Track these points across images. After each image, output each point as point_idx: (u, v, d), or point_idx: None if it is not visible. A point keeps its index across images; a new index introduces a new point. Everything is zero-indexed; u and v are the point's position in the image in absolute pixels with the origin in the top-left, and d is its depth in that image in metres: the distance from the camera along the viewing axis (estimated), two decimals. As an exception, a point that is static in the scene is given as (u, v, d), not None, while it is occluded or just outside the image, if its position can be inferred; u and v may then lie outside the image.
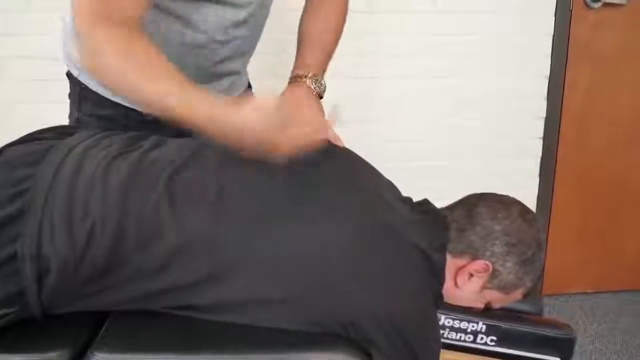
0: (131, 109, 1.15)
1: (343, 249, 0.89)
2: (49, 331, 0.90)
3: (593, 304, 2.42)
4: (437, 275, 0.97)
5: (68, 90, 1.26)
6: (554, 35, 2.18)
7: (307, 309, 0.89)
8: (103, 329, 0.92)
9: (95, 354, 0.86)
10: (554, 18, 2.16)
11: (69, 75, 1.23)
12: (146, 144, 0.99)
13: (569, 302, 2.42)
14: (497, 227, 1.00)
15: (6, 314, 0.87)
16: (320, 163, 0.99)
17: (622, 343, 2.19)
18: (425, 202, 1.06)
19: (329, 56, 1.25)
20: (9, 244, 0.85)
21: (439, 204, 1.08)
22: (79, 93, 1.21)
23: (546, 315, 1.31)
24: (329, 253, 0.89)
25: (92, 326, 0.93)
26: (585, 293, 2.48)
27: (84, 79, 1.18)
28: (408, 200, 1.04)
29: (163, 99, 0.91)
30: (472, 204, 1.04)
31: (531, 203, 2.32)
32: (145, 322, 0.92)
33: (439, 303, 1.00)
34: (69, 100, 1.25)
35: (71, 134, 1.01)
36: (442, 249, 0.99)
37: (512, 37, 2.17)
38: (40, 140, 0.99)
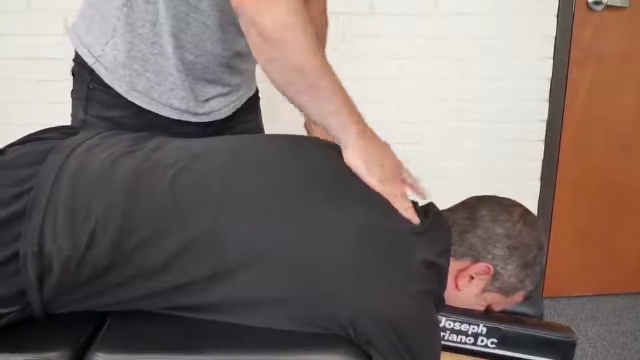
0: (143, 110, 1.16)
1: (345, 251, 0.89)
2: (49, 331, 0.90)
3: (594, 307, 2.42)
4: (439, 278, 0.97)
5: (71, 90, 1.24)
6: (556, 38, 2.18)
7: (308, 309, 0.89)
8: (104, 329, 0.92)
9: (96, 354, 0.87)
10: (556, 20, 2.16)
11: (74, 73, 1.22)
12: (151, 144, 1.00)
13: (570, 304, 2.42)
14: (499, 230, 1.00)
15: (7, 313, 0.87)
16: (322, 164, 0.99)
17: (623, 346, 2.18)
18: (429, 205, 1.06)
19: None
20: (11, 243, 0.85)
21: (440, 206, 1.08)
22: (87, 94, 1.19)
23: (547, 318, 1.30)
24: (330, 254, 0.89)
25: (93, 326, 0.94)
26: (586, 296, 2.48)
27: (98, 67, 1.15)
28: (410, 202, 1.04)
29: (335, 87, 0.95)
30: (474, 206, 1.04)
31: (533, 205, 2.32)
32: (146, 323, 0.92)
33: (440, 306, 1.00)
34: (71, 100, 1.24)
35: (74, 134, 1.01)
36: (446, 253, 0.99)
37: (514, 40, 2.17)
38: (43, 140, 0.99)
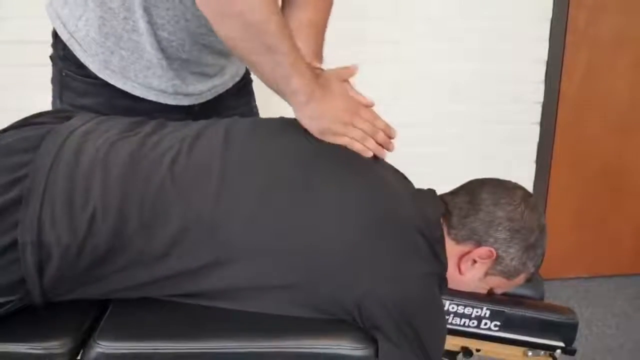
0: (116, 96, 1.12)
1: (348, 235, 0.88)
2: (51, 320, 0.89)
3: (588, 289, 2.44)
4: (440, 260, 0.97)
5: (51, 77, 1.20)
6: (552, 20, 2.17)
7: (313, 294, 0.89)
8: (105, 317, 0.91)
9: (99, 342, 0.86)
10: (552, 2, 2.15)
11: (52, 58, 1.18)
12: (147, 127, 0.98)
13: (565, 286, 2.43)
14: (501, 213, 1.00)
15: (8, 302, 0.86)
16: (318, 146, 0.98)
17: (617, 327, 2.21)
18: (428, 190, 1.05)
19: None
20: (9, 231, 0.84)
21: (437, 189, 1.08)
22: (60, 81, 1.16)
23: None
24: (334, 239, 0.88)
25: (95, 314, 0.93)
26: (580, 278, 2.49)
27: (72, 44, 1.10)
28: (409, 185, 1.04)
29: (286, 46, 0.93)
30: (475, 189, 1.04)
31: (528, 188, 2.31)
32: (148, 310, 0.91)
33: (443, 288, 1.00)
34: (51, 86, 1.20)
35: (69, 118, 0.99)
36: (442, 233, 0.99)
37: (510, 22, 2.15)
38: (36, 125, 0.97)
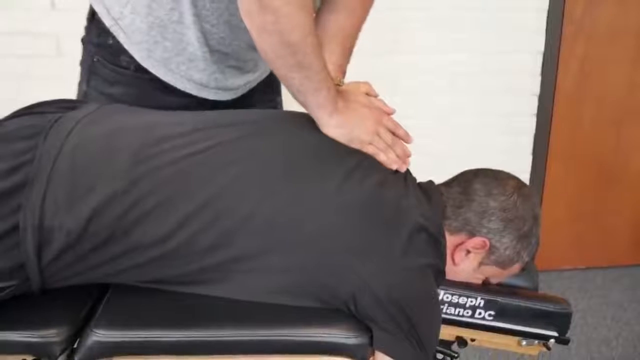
0: (149, 88, 1.12)
1: (346, 225, 0.89)
2: (47, 308, 0.90)
3: (584, 280, 2.45)
4: (439, 253, 0.97)
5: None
6: (548, 11, 2.17)
7: (309, 282, 0.89)
8: (102, 305, 0.92)
9: (95, 330, 0.87)
10: (548, -6, 2.15)
11: (84, 41, 1.17)
12: (156, 116, 0.98)
13: (561, 278, 2.45)
14: (493, 204, 1.01)
15: (6, 287, 0.86)
16: (321, 138, 0.98)
17: (612, 317, 2.22)
18: (428, 183, 1.06)
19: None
20: (11, 215, 0.84)
21: (433, 180, 1.08)
22: (89, 67, 1.15)
23: (539, 290, 1.31)
24: (332, 228, 0.88)
25: (92, 303, 0.93)
26: (576, 269, 2.51)
27: (116, 30, 1.09)
28: (408, 177, 1.04)
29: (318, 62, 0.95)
30: (468, 180, 1.05)
31: (524, 180, 2.31)
32: (145, 299, 0.92)
33: (440, 280, 1.00)
34: (80, 68, 1.19)
35: (74, 108, 0.99)
36: (441, 228, 0.99)
37: (507, 13, 2.15)
38: (40, 113, 0.97)
